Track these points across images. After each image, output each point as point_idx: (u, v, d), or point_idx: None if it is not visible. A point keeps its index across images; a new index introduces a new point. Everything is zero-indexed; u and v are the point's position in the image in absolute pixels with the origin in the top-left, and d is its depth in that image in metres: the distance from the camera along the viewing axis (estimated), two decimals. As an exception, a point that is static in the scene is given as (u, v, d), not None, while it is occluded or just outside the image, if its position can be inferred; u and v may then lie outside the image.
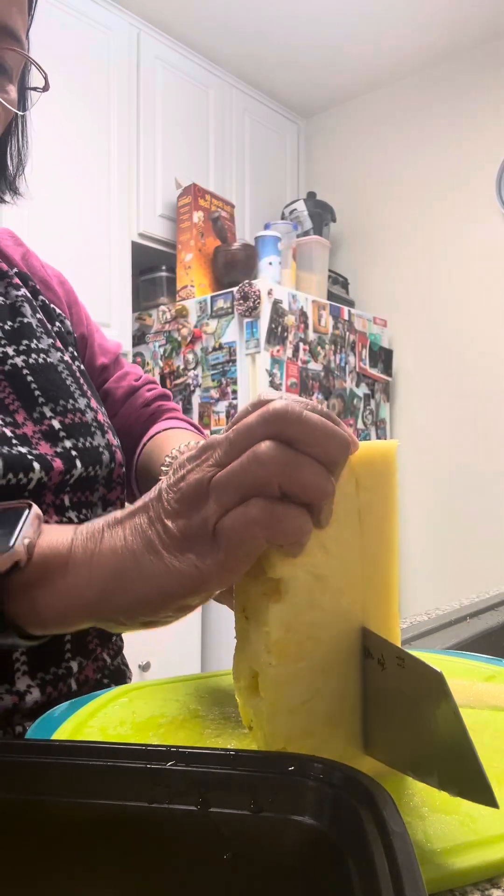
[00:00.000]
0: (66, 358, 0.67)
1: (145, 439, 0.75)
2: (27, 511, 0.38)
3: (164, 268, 2.50)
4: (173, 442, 0.71)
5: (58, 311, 0.71)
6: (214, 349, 2.30)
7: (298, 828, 0.27)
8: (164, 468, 0.66)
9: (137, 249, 2.41)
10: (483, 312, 2.63)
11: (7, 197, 0.69)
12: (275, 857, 0.27)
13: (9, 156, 0.67)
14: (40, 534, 0.38)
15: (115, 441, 0.66)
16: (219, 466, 0.33)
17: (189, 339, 2.37)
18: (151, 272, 2.53)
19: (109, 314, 2.28)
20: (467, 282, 2.67)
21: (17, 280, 0.68)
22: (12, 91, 0.59)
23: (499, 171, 2.58)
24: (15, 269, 0.69)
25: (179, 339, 2.40)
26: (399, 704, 0.34)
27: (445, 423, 2.72)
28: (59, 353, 0.66)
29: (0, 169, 0.67)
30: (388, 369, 2.77)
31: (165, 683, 0.54)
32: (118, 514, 0.37)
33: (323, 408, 0.34)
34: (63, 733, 0.42)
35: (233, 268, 2.39)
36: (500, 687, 0.51)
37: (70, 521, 0.60)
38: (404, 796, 0.36)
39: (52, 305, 0.70)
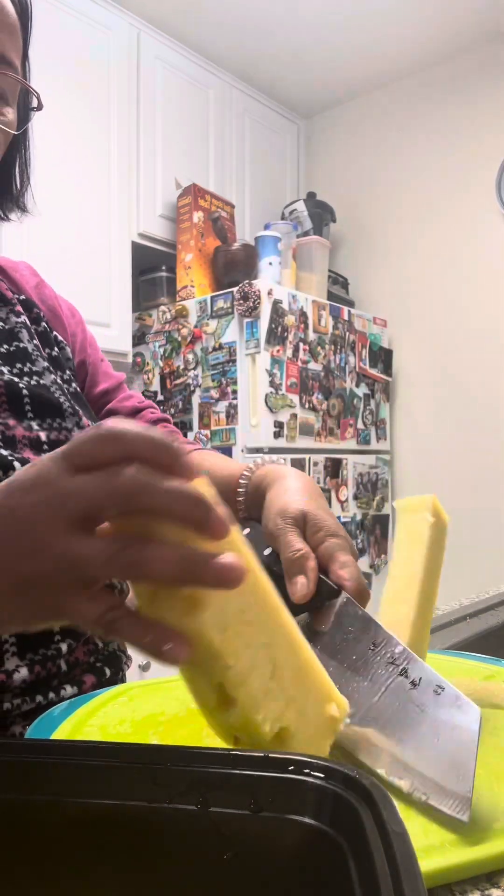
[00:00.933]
0: (59, 380, 0.69)
1: None
2: None
3: (164, 268, 2.50)
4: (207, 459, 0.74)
5: (59, 338, 0.74)
6: (214, 349, 2.30)
7: (298, 828, 0.27)
8: (242, 481, 0.67)
9: (137, 249, 2.41)
10: (483, 312, 2.63)
11: (13, 215, 0.72)
12: (275, 857, 0.27)
13: (13, 175, 0.70)
14: None
15: None
16: (57, 489, 0.33)
17: (189, 339, 2.37)
18: (151, 272, 2.53)
19: (109, 314, 2.28)
20: (467, 282, 2.67)
21: (19, 307, 0.71)
22: (9, 113, 0.62)
23: (499, 172, 2.58)
24: (21, 297, 0.72)
25: (179, 339, 2.40)
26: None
27: (445, 423, 2.72)
28: (52, 376, 0.68)
29: (6, 187, 0.70)
30: (387, 369, 2.77)
31: (165, 682, 0.54)
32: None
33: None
34: (63, 732, 0.42)
35: (233, 268, 2.39)
36: (499, 685, 0.51)
37: None
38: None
39: (53, 333, 0.73)
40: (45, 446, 0.62)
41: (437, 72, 2.76)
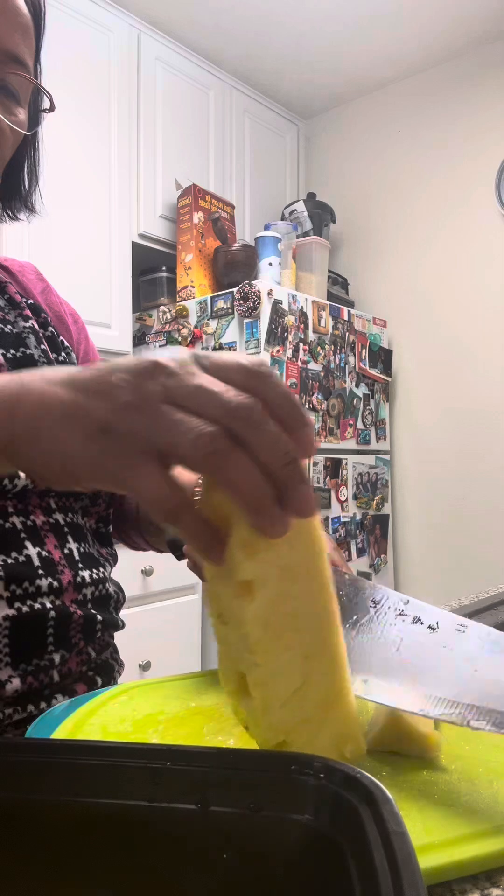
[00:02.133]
0: None
1: None
2: None
3: (164, 268, 2.50)
4: None
5: (66, 343, 0.74)
6: (214, 349, 2.30)
7: (298, 828, 0.27)
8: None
9: (137, 250, 2.41)
10: (483, 312, 2.63)
11: (22, 215, 0.72)
12: (275, 857, 0.27)
13: (24, 175, 0.70)
14: None
15: None
16: (182, 372, 0.32)
17: (189, 339, 2.37)
18: (151, 273, 2.53)
19: (109, 314, 2.28)
20: (467, 282, 2.67)
21: (28, 311, 0.70)
22: (20, 113, 0.62)
23: (498, 172, 2.58)
24: (29, 301, 0.72)
25: (180, 339, 2.40)
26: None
27: (445, 423, 2.72)
28: None
29: (14, 187, 0.70)
30: (387, 369, 2.77)
31: (165, 681, 0.54)
32: (70, 369, 0.35)
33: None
34: (63, 732, 0.42)
35: (233, 268, 2.39)
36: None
37: (57, 523, 0.62)
38: (403, 790, 0.36)
39: (60, 338, 0.73)
40: None
41: (437, 72, 2.76)
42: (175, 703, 0.48)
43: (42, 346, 0.69)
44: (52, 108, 0.67)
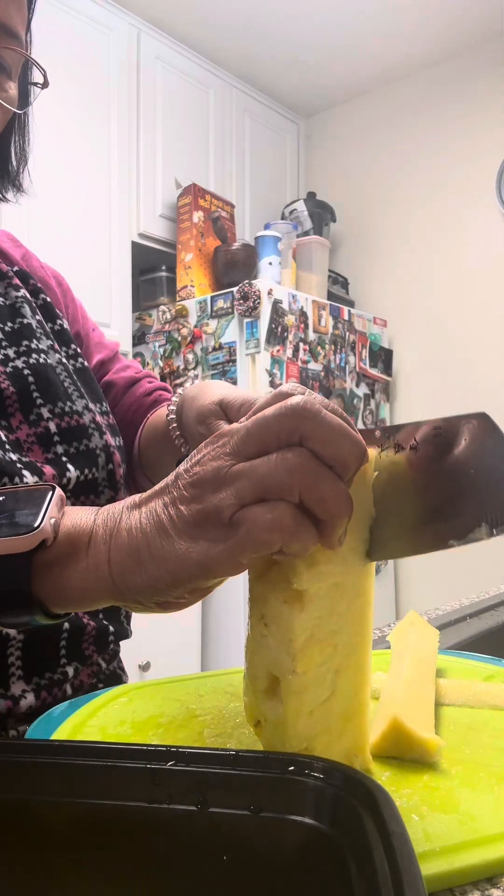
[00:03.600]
0: (64, 359, 0.67)
1: (146, 419, 0.75)
2: (51, 492, 0.39)
3: (164, 268, 2.50)
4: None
5: (57, 310, 0.71)
6: (214, 349, 2.30)
7: (298, 828, 0.27)
8: (170, 416, 0.66)
9: (137, 249, 2.41)
10: (483, 312, 2.63)
11: (10, 195, 0.68)
12: (275, 857, 0.27)
13: (11, 153, 0.66)
14: (64, 514, 0.38)
15: (114, 442, 0.66)
16: (235, 456, 0.33)
17: (189, 339, 2.37)
18: (151, 272, 2.53)
19: (109, 314, 2.28)
20: (467, 282, 2.67)
21: (16, 280, 0.67)
22: (11, 88, 0.59)
23: (499, 171, 2.58)
24: (15, 268, 0.69)
25: (179, 339, 2.40)
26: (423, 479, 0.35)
27: (445, 424, 2.71)
28: (57, 355, 0.66)
29: (2, 166, 0.66)
30: (387, 369, 2.77)
31: (165, 683, 0.54)
32: (138, 497, 0.37)
33: (341, 411, 0.34)
34: (63, 733, 0.42)
35: (233, 268, 2.39)
36: (499, 686, 0.51)
37: None
38: (403, 795, 0.36)
39: (51, 304, 0.70)
40: (56, 437, 0.60)
41: (437, 72, 2.76)
42: (175, 705, 0.48)
43: (38, 317, 0.67)
44: (45, 84, 0.62)
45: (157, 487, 0.36)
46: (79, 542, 0.36)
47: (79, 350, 0.70)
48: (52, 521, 0.37)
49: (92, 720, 0.45)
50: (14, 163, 0.67)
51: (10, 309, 0.65)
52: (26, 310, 0.65)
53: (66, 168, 2.16)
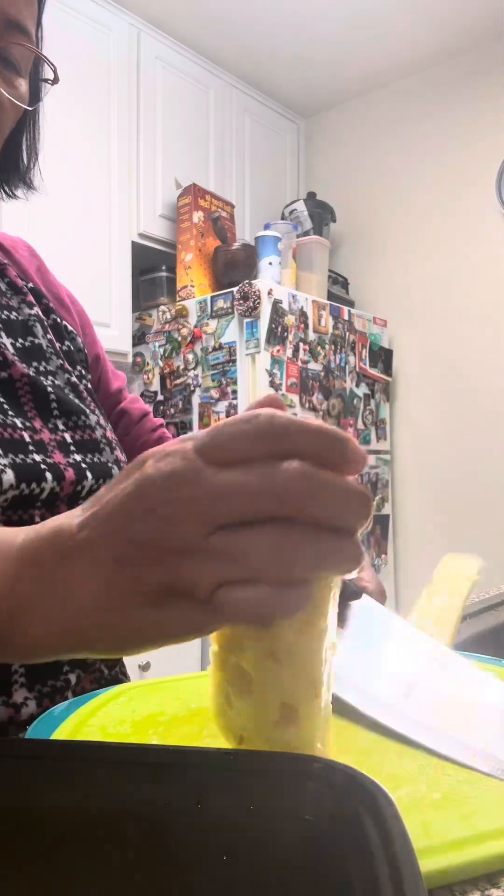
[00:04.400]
0: (73, 379, 0.67)
1: None
2: None
3: (164, 268, 2.50)
4: None
5: (69, 328, 0.71)
6: (214, 349, 2.30)
7: (298, 828, 0.27)
8: None
9: (137, 249, 2.41)
10: (483, 312, 2.63)
11: (20, 192, 0.68)
12: (275, 857, 0.27)
13: (23, 149, 0.66)
14: None
15: (123, 458, 0.67)
16: (197, 482, 0.27)
17: (189, 339, 2.37)
18: (151, 272, 2.53)
19: (109, 314, 2.28)
20: (467, 281, 2.67)
21: (30, 297, 0.67)
22: (22, 85, 0.58)
23: (499, 171, 2.58)
24: (30, 285, 0.69)
25: (179, 339, 2.40)
26: None
27: (445, 423, 2.72)
28: (66, 375, 0.66)
29: (13, 163, 0.66)
30: (387, 369, 2.77)
31: (165, 682, 0.54)
32: (66, 532, 0.30)
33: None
34: (63, 732, 0.42)
35: (233, 268, 2.39)
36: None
37: None
38: (403, 791, 0.36)
39: (63, 322, 0.70)
40: (72, 447, 0.60)
41: (437, 72, 2.76)
42: (175, 703, 0.48)
43: (48, 336, 0.67)
44: (55, 80, 0.61)
45: (96, 529, 0.29)
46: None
47: (84, 372, 0.70)
48: None
49: (92, 719, 0.45)
50: (24, 159, 0.67)
51: (23, 326, 0.65)
52: (38, 329, 0.65)
53: (66, 168, 2.16)
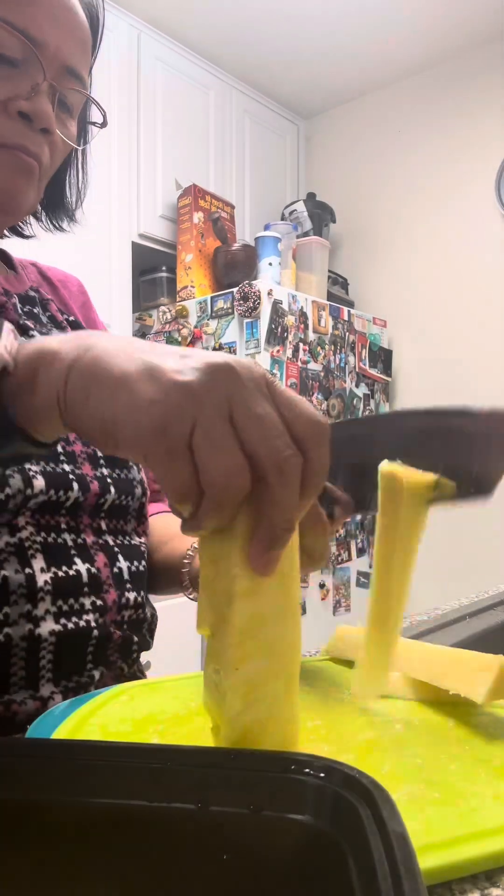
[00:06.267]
0: None
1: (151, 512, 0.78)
2: (2, 324, 0.38)
3: (164, 268, 2.50)
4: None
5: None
6: (214, 349, 2.30)
7: (298, 828, 0.27)
8: (185, 560, 0.69)
9: (137, 250, 2.41)
10: (482, 312, 2.63)
11: (65, 225, 0.74)
12: (275, 857, 0.27)
13: (68, 186, 0.72)
14: (20, 343, 0.37)
15: (145, 477, 0.69)
16: (253, 392, 0.31)
17: (189, 339, 2.37)
18: (151, 273, 2.53)
19: (109, 314, 2.28)
20: (467, 281, 2.67)
21: (69, 330, 0.71)
22: (72, 126, 0.63)
23: (498, 172, 2.58)
24: (70, 318, 0.73)
25: (180, 339, 2.40)
26: None
27: (445, 424, 2.71)
28: None
29: (60, 198, 0.72)
30: (387, 369, 2.77)
31: (166, 681, 0.54)
32: (142, 343, 0.35)
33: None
34: (63, 731, 0.42)
35: (233, 268, 2.39)
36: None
37: (106, 545, 0.62)
38: (403, 791, 0.36)
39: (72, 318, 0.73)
40: (101, 461, 0.63)
41: (437, 72, 2.76)
42: (175, 703, 0.48)
43: None
44: (104, 124, 0.67)
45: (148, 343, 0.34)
46: (40, 365, 0.35)
47: None
48: (7, 346, 0.36)
49: (92, 718, 0.45)
50: (70, 196, 0.72)
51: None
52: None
53: (66, 168, 2.16)
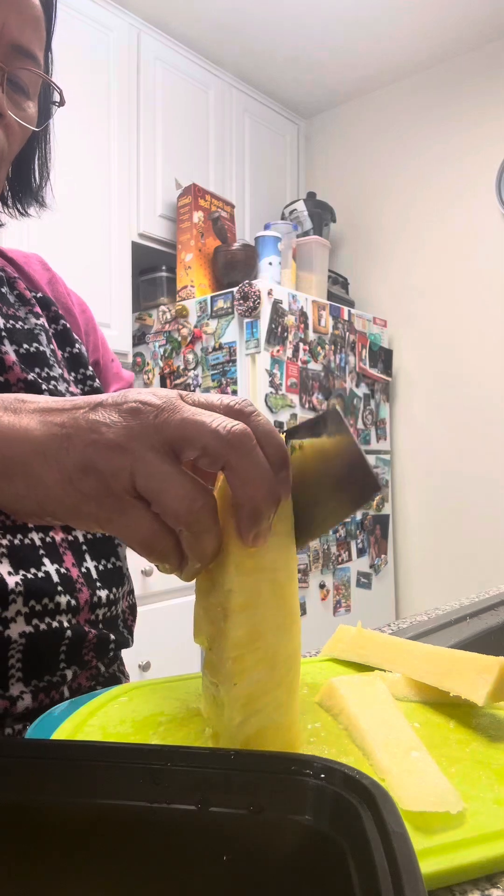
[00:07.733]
0: (72, 386, 0.68)
1: None
2: None
3: (164, 268, 2.50)
4: None
5: (74, 335, 0.73)
6: (214, 349, 2.30)
7: (298, 828, 0.27)
8: None
9: (137, 249, 2.41)
10: (483, 312, 2.63)
11: (32, 210, 0.71)
12: (275, 857, 0.27)
13: (33, 169, 0.70)
14: None
15: None
16: (168, 408, 0.32)
17: (189, 339, 2.37)
18: (151, 272, 2.53)
19: (109, 314, 2.28)
20: (467, 281, 2.67)
21: (37, 308, 0.69)
22: (30, 107, 0.61)
23: (498, 172, 2.58)
24: (39, 294, 0.71)
25: (179, 339, 2.40)
26: (316, 476, 0.37)
27: (445, 423, 2.72)
28: (65, 384, 0.68)
29: (25, 183, 0.70)
30: (387, 369, 2.77)
31: (165, 682, 0.53)
32: (47, 401, 0.35)
33: (280, 440, 0.35)
34: (63, 732, 0.42)
35: (233, 268, 2.39)
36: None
37: (76, 541, 0.61)
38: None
39: (69, 329, 0.72)
40: None
41: (437, 72, 2.76)
42: (175, 704, 0.48)
43: (52, 346, 0.68)
44: (62, 102, 0.65)
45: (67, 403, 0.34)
46: None
47: (87, 373, 0.72)
48: None
49: (92, 719, 0.45)
50: (37, 179, 0.70)
51: (29, 333, 0.67)
52: (42, 338, 0.67)
53: (66, 168, 2.16)
